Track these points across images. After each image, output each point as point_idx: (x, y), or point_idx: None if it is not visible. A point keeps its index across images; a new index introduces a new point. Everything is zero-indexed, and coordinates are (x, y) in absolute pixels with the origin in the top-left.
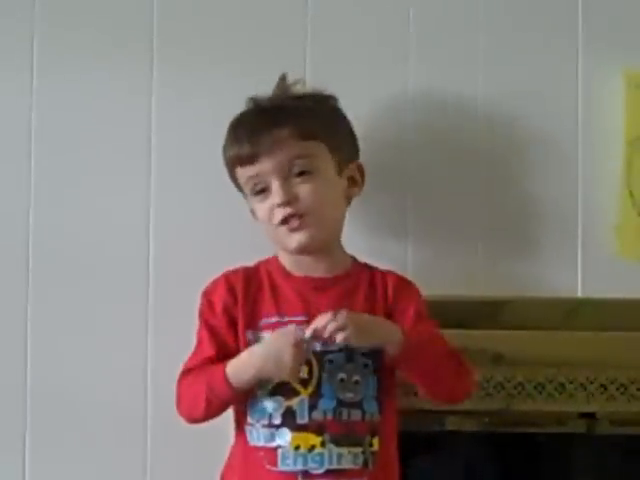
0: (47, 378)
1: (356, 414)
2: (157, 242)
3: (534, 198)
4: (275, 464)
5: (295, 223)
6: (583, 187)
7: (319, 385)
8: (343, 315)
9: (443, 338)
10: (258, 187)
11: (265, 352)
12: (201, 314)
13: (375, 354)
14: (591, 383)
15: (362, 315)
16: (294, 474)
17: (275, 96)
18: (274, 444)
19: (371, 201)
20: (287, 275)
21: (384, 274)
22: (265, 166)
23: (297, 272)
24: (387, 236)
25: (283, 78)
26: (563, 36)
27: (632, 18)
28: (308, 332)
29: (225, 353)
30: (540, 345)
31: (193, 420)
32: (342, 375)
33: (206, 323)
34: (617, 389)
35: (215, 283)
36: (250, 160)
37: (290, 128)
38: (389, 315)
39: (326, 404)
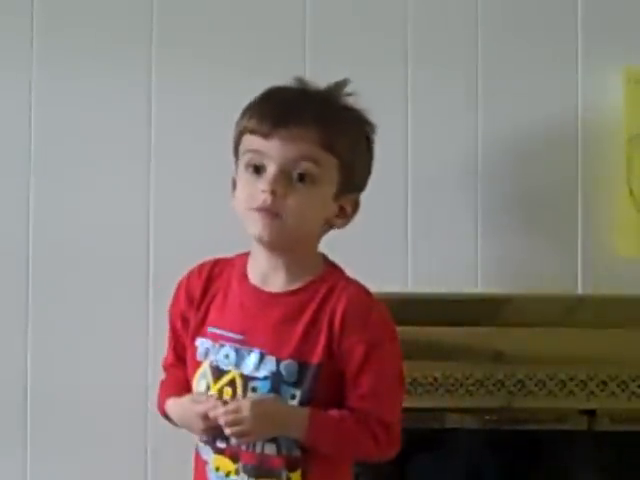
0: (47, 378)
1: (270, 448)
2: (157, 242)
3: (534, 194)
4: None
5: (267, 217)
6: (583, 184)
7: None
8: (243, 410)
9: (378, 398)
10: (254, 162)
11: (180, 416)
12: (171, 305)
13: (306, 384)
14: (591, 380)
15: (267, 405)
16: None
17: (323, 92)
18: (205, 458)
19: (371, 200)
20: (243, 279)
21: (340, 294)
22: (274, 148)
23: (252, 278)
24: (387, 235)
25: (344, 83)
26: (563, 32)
27: (632, 14)
28: (220, 419)
29: (183, 355)
30: (540, 342)
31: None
32: None
33: (170, 318)
34: (618, 386)
35: (182, 280)
36: (264, 135)
37: (317, 131)
38: (334, 346)
39: None
